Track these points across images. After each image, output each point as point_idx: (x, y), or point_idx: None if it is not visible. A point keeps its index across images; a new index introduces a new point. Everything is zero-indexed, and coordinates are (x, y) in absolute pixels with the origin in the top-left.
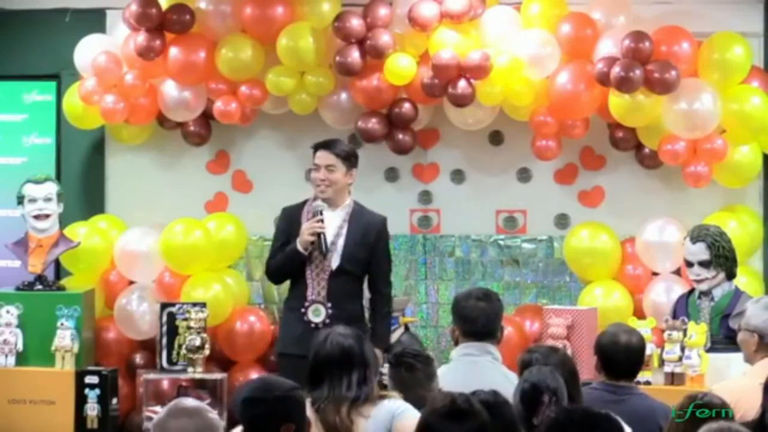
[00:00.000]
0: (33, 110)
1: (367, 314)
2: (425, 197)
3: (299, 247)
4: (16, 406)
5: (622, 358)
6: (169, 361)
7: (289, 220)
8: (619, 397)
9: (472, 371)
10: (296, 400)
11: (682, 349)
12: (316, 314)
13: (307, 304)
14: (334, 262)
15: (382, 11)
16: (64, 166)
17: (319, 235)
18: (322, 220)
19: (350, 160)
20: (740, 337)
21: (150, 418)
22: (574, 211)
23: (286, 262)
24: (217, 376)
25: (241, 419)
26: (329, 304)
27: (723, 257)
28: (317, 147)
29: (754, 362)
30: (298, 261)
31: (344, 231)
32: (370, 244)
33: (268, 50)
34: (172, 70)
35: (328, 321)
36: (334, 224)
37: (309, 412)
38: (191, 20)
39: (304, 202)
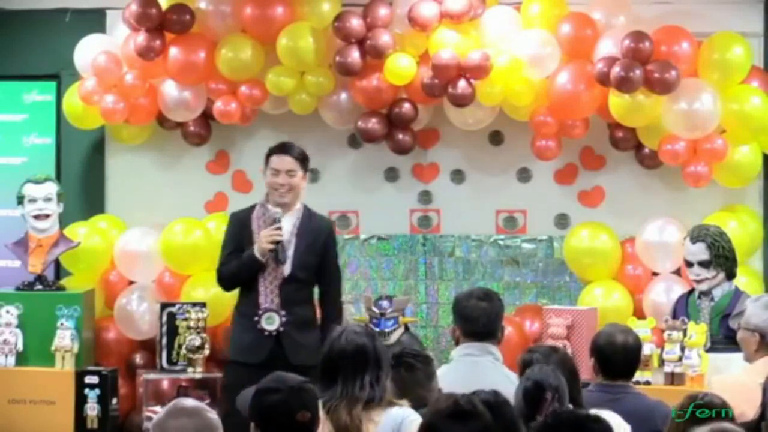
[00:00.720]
0: (33, 110)
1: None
2: (425, 197)
3: (257, 255)
4: (16, 406)
5: (619, 358)
6: (169, 361)
7: (239, 226)
8: (615, 396)
9: (473, 371)
10: (311, 392)
11: (682, 349)
12: (270, 322)
13: (260, 312)
14: (287, 269)
15: (382, 11)
16: (64, 166)
17: (277, 243)
18: (280, 228)
19: (305, 163)
20: (740, 336)
21: (150, 418)
22: (574, 211)
23: (243, 269)
24: (217, 376)
25: (253, 412)
26: (283, 312)
27: (723, 257)
28: (275, 151)
29: (754, 361)
30: (256, 268)
31: (295, 237)
32: (318, 249)
33: (268, 50)
34: (172, 70)
35: (281, 329)
36: (286, 230)
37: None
38: (191, 20)
39: (253, 207)
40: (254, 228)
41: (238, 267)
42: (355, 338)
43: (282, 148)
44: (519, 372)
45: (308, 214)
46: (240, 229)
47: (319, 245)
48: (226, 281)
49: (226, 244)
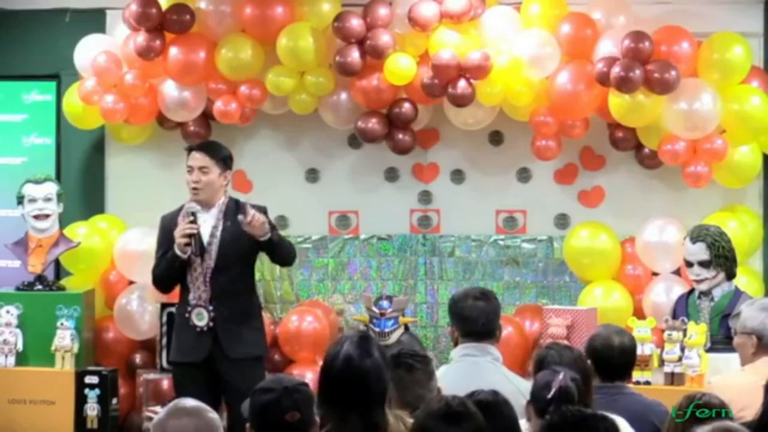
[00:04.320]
0: (33, 110)
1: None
2: (425, 197)
3: (177, 252)
4: (16, 406)
5: (617, 360)
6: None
7: (168, 227)
8: (612, 398)
9: (473, 372)
10: (305, 393)
11: (682, 349)
12: (200, 318)
13: (189, 308)
14: (212, 262)
15: (382, 11)
16: (64, 166)
17: (191, 236)
18: (193, 221)
19: (225, 161)
20: (737, 341)
21: (150, 418)
22: (574, 211)
23: (168, 267)
24: None
25: (249, 410)
26: (211, 307)
27: (723, 257)
28: (191, 149)
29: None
30: (178, 265)
31: (219, 230)
32: (249, 237)
33: (268, 50)
34: (172, 70)
35: (211, 324)
36: (209, 224)
37: None
38: (191, 20)
39: (181, 208)
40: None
41: (165, 266)
42: (350, 360)
43: (197, 146)
44: (533, 369)
45: (234, 204)
46: (168, 231)
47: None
48: (158, 283)
49: (157, 247)
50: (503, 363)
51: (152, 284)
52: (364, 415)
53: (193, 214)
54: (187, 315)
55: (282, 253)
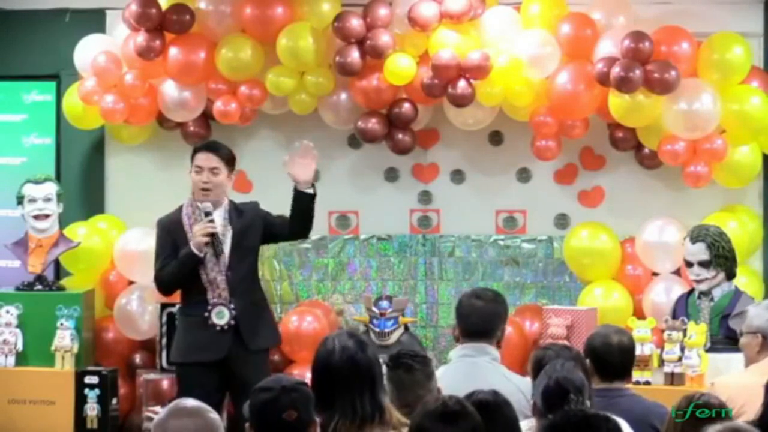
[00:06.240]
0: (33, 110)
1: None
2: (425, 197)
3: (194, 250)
4: (16, 406)
5: (616, 359)
6: (169, 362)
7: (170, 230)
8: (611, 400)
9: (471, 372)
10: (303, 393)
11: (682, 349)
12: (220, 317)
13: (209, 307)
14: (226, 260)
15: (382, 11)
16: (64, 166)
17: (212, 235)
18: (212, 220)
19: (232, 163)
20: (743, 340)
21: (150, 418)
22: (574, 211)
23: (182, 268)
24: None
25: (249, 409)
26: (232, 306)
27: (723, 257)
28: (199, 149)
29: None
30: (193, 264)
31: (228, 229)
32: (257, 226)
33: (268, 50)
34: (171, 70)
35: (232, 322)
36: (218, 224)
37: None
38: (191, 20)
39: (180, 209)
40: (186, 228)
41: (178, 267)
42: (349, 353)
43: (207, 146)
44: (532, 369)
45: (234, 206)
46: (171, 233)
47: (257, 224)
48: (166, 284)
49: (160, 251)
50: (503, 363)
51: (157, 288)
52: (374, 397)
53: (209, 213)
54: (206, 314)
55: (310, 215)
